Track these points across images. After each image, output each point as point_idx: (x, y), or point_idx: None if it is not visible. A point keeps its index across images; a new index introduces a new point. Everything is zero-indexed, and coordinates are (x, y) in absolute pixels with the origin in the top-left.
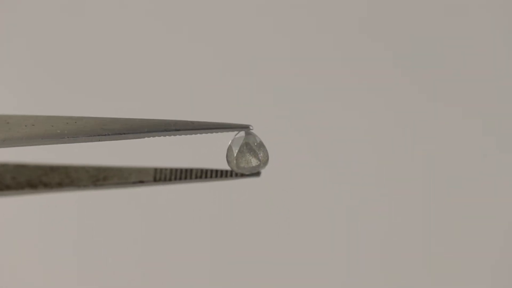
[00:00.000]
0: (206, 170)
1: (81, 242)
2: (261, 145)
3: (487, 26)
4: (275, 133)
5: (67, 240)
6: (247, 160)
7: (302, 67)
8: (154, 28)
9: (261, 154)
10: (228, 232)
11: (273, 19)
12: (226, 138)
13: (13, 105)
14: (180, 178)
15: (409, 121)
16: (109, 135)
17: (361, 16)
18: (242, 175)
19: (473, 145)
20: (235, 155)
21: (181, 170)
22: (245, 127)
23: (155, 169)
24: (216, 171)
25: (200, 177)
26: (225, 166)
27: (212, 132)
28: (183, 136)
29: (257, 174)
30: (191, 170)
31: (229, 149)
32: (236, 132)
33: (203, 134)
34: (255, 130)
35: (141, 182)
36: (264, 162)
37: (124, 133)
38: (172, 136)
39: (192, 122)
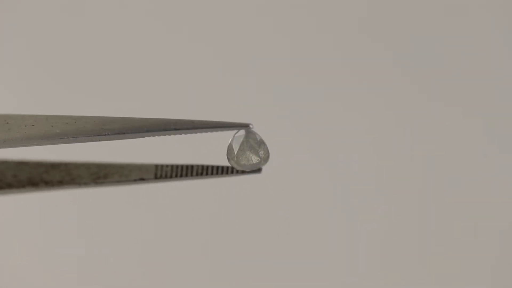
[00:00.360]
0: (207, 167)
1: (81, 241)
2: (261, 142)
3: (487, 26)
4: (275, 132)
5: (67, 239)
6: (247, 157)
7: (302, 67)
8: (154, 28)
9: (262, 151)
10: (228, 230)
11: (273, 19)
12: (227, 137)
13: (13, 104)
14: (181, 175)
15: (409, 121)
16: (109, 134)
17: (361, 16)
18: (243, 172)
19: (473, 145)
20: (235, 153)
21: (181, 166)
22: (245, 126)
23: (156, 166)
24: (217, 167)
25: (201, 173)
26: (226, 163)
27: (212, 131)
28: (183, 135)
29: (258, 170)
30: (192, 166)
31: (230, 146)
32: (236, 131)
33: (204, 133)
34: (255, 129)
35: (141, 179)
36: (265, 159)
37: (124, 133)
38: (173, 136)
39: (192, 121)
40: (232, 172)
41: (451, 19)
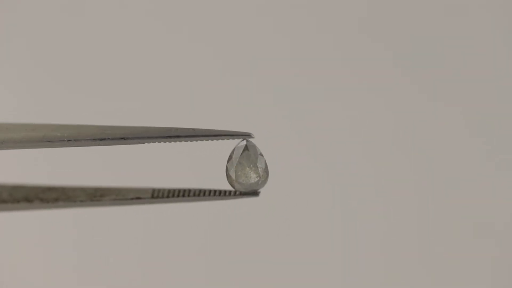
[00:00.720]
0: (205, 190)
1: (81, 244)
2: (261, 158)
3: (487, 26)
4: (276, 132)
5: (67, 240)
6: (246, 174)
7: (301, 67)
8: (155, 29)
9: (261, 169)
10: (228, 230)
11: (273, 19)
12: (228, 145)
13: (13, 105)
14: (178, 196)
15: (409, 121)
16: (110, 139)
17: (361, 16)
18: (241, 194)
19: (473, 145)
20: (234, 168)
21: (179, 190)
22: (246, 135)
23: (153, 190)
24: (215, 191)
25: (198, 195)
26: (223, 186)
27: (213, 140)
28: (184, 143)
29: (256, 194)
30: (189, 190)
31: (229, 162)
32: (237, 142)
33: (204, 142)
34: (256, 137)
35: (138, 198)
36: (263, 180)
37: (125, 138)
38: (173, 143)
39: (194, 129)
40: (229, 195)
41: (451, 19)
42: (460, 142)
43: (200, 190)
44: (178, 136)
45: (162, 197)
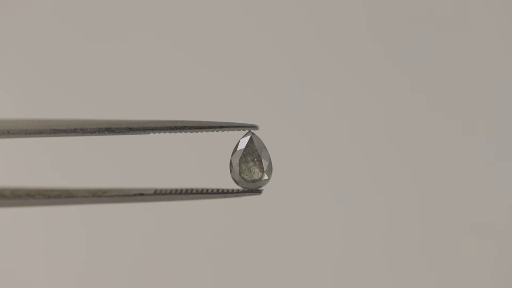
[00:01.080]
0: (207, 189)
1: (81, 244)
2: (266, 153)
3: (486, 26)
4: (275, 131)
5: (70, 242)
6: (250, 169)
7: (301, 68)
8: (155, 30)
9: (265, 165)
10: (229, 231)
11: (272, 20)
12: (234, 138)
13: (12, 108)
14: (180, 193)
15: (410, 121)
16: (116, 129)
17: (362, 17)
18: (243, 192)
19: (473, 145)
20: (238, 162)
21: (181, 190)
22: (252, 127)
23: (155, 190)
24: (217, 189)
25: (201, 193)
26: (226, 185)
27: (218, 131)
28: (190, 135)
29: (259, 192)
30: (192, 190)
31: (233, 155)
32: (242, 135)
33: (210, 133)
34: (261, 131)
35: (140, 195)
36: (267, 176)
37: (131, 128)
38: (179, 135)
39: (199, 121)
40: (232, 193)
41: (451, 19)
42: (460, 142)
43: (202, 190)
44: (183, 127)
45: (165, 194)
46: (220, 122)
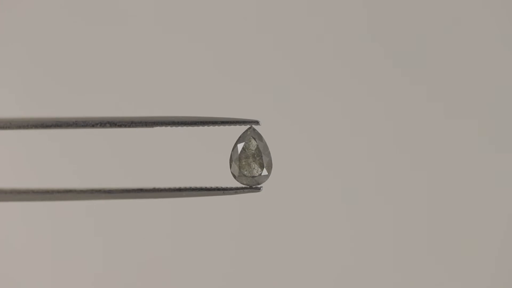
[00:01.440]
0: (206, 186)
1: (80, 244)
2: (266, 149)
3: (486, 27)
4: (275, 132)
5: (69, 240)
6: (250, 165)
7: (301, 68)
8: (156, 28)
9: (265, 161)
10: (230, 231)
11: (272, 19)
12: (235, 133)
13: (12, 105)
14: (180, 190)
15: (410, 121)
16: (118, 122)
17: (362, 16)
18: (243, 189)
19: (473, 145)
20: (238, 157)
21: (180, 187)
22: (253, 122)
23: (154, 186)
24: (216, 186)
25: (200, 189)
26: (225, 183)
27: (220, 126)
28: (192, 129)
29: (258, 189)
30: (190, 186)
31: (234, 150)
32: (243, 131)
33: (212, 128)
34: (262, 127)
35: (140, 191)
36: (266, 173)
37: (134, 122)
38: (181, 130)
39: (202, 116)
40: (231, 190)
41: (450, 19)
42: (460, 142)
43: (201, 188)
44: (186, 122)
45: (164, 190)
46: (222, 118)
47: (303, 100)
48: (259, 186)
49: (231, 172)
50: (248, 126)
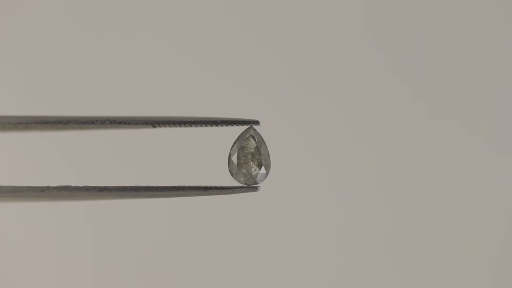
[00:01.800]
0: (203, 185)
1: (80, 245)
2: (265, 149)
3: (486, 32)
4: (274, 132)
5: (69, 241)
6: (248, 163)
7: (300, 68)
8: (155, 28)
9: (264, 161)
10: (229, 231)
11: (267, 19)
12: (234, 133)
13: (12, 105)
14: (177, 189)
15: (411, 121)
16: (116, 122)
17: (364, 23)
18: (240, 188)
19: (473, 145)
20: (236, 156)
21: (176, 186)
22: (253, 122)
23: (150, 185)
24: (213, 186)
25: (197, 189)
26: (223, 182)
27: (219, 126)
28: (191, 130)
29: (255, 188)
30: (187, 185)
31: (232, 149)
32: (242, 130)
33: (212, 128)
34: (261, 127)
35: (135, 190)
36: (264, 172)
37: (135, 121)
38: (180, 130)
39: (201, 116)
40: (228, 189)
41: (451, 25)
42: (460, 142)
43: (198, 187)
44: (185, 122)
45: (160, 190)
46: (222, 118)
47: (302, 101)
48: (256, 185)
49: (229, 170)
50: (248, 126)
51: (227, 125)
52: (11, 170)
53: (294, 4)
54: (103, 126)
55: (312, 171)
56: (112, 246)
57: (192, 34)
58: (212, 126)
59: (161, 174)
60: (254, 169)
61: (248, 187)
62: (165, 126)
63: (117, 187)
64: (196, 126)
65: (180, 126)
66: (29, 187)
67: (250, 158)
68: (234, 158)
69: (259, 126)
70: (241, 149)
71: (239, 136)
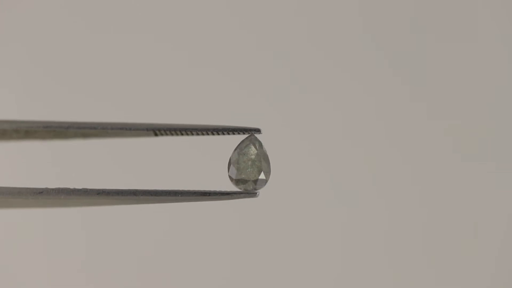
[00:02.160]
0: (200, 191)
1: (79, 245)
2: (266, 156)
3: (487, 34)
4: (274, 132)
5: (68, 242)
6: (247, 168)
7: (304, 75)
8: (155, 31)
9: (264, 167)
10: (229, 232)
11: (266, 23)
12: (235, 141)
13: (12, 105)
14: (175, 194)
15: (411, 122)
16: (117, 128)
17: (364, 24)
18: (239, 194)
19: (473, 145)
20: (236, 162)
21: (174, 191)
22: (255, 130)
23: (148, 190)
24: (211, 191)
25: (194, 194)
26: (221, 187)
27: (220, 134)
28: (192, 138)
29: (255, 194)
30: (185, 191)
31: (233, 155)
32: (243, 137)
33: (212, 137)
34: (262, 135)
35: (134, 194)
36: (264, 179)
37: (131, 129)
38: (181, 138)
39: (202, 124)
40: (227, 195)
41: (451, 26)
42: (460, 142)
43: (195, 192)
44: (186, 130)
45: (158, 195)
46: (223, 126)
47: (302, 102)
48: (255, 191)
49: (229, 176)
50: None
51: (229, 134)
52: (9, 176)
53: (294, 4)
54: (104, 133)
55: (311, 172)
56: (110, 249)
57: (192, 34)
58: (213, 134)
59: (161, 180)
60: (254, 175)
61: (247, 193)
62: (166, 135)
63: (115, 190)
64: (198, 134)
65: (182, 134)
66: (27, 188)
67: (250, 164)
68: (234, 164)
69: (260, 134)
70: (242, 155)
71: (240, 143)
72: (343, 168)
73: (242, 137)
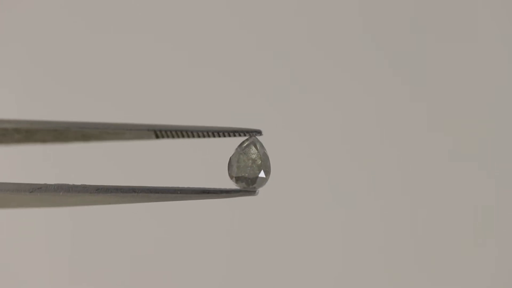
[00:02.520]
0: (199, 189)
1: (78, 245)
2: (266, 156)
3: (487, 34)
4: (273, 132)
5: (65, 241)
6: (247, 167)
7: (304, 75)
8: (155, 32)
9: (264, 166)
10: (228, 233)
11: (266, 23)
12: (235, 142)
13: (12, 105)
14: (174, 193)
15: (410, 123)
16: (117, 128)
17: (363, 25)
18: (239, 192)
19: (473, 145)
20: (237, 161)
21: (173, 189)
22: (256, 132)
23: (146, 187)
24: (210, 189)
25: (193, 192)
26: (220, 184)
27: (221, 136)
28: (192, 140)
29: (254, 192)
30: (183, 189)
31: (233, 155)
32: (243, 139)
33: (213, 139)
34: (263, 137)
35: (133, 191)
36: (264, 177)
37: (132, 129)
38: (180, 141)
39: (203, 126)
40: (226, 193)
41: (451, 26)
42: (460, 142)
43: (194, 189)
44: (187, 131)
45: (156, 192)
46: (224, 127)
47: (302, 102)
48: (255, 189)
49: (229, 174)
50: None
51: (230, 136)
52: (8, 177)
53: (294, 4)
54: (105, 134)
55: (311, 173)
56: (110, 248)
57: (192, 34)
58: (214, 136)
59: (161, 181)
60: (254, 173)
61: (246, 191)
62: (168, 137)
63: (114, 186)
64: (199, 136)
65: (183, 136)
66: (25, 184)
67: (250, 163)
68: (235, 163)
69: (261, 136)
70: (242, 154)
71: (241, 143)
72: (343, 168)
73: (243, 138)
